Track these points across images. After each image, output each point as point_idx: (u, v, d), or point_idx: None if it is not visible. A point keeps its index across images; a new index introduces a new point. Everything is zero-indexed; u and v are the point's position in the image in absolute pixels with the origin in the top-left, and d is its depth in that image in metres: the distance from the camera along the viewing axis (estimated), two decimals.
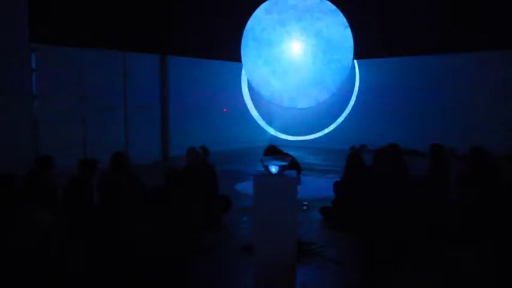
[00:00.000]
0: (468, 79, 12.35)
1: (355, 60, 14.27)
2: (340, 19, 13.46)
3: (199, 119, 13.30)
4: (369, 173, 6.18)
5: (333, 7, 13.50)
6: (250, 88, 15.10)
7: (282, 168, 4.00)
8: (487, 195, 5.42)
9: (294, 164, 8.25)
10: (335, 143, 14.20)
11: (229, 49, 13.90)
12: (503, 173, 5.75)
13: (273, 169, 3.98)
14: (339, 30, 13.48)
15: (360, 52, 13.79)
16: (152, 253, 4.08)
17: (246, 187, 8.50)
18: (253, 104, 15.47)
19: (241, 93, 15.38)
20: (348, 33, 13.38)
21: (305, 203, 7.29)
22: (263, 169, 4.06)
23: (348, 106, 14.71)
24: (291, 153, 8.87)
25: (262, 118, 15.59)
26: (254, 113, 15.50)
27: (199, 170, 6.39)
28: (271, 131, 15.57)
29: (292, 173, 4.28)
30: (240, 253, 5.14)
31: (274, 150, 8.27)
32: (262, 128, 15.56)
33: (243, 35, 14.14)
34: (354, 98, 14.63)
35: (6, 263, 3.31)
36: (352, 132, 14.02)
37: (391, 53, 13.40)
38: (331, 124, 14.88)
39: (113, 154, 5.74)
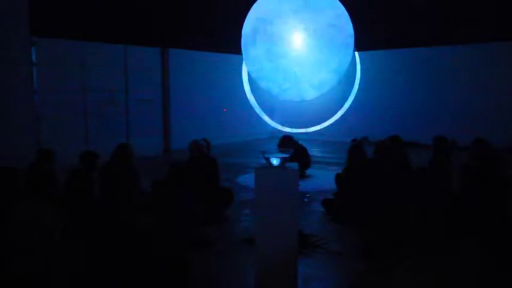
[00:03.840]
0: (471, 71, 12.30)
1: (356, 52, 14.21)
2: (342, 10, 13.38)
3: (200, 111, 13.29)
4: (370, 165, 6.18)
5: None
6: (251, 81, 15.05)
7: (283, 161, 3.99)
8: (489, 188, 5.41)
9: (303, 158, 8.25)
10: (337, 135, 14.19)
11: (230, 42, 13.85)
12: (505, 166, 5.74)
13: (274, 161, 3.98)
14: (341, 21, 13.41)
15: (361, 44, 13.72)
16: (153, 247, 4.08)
17: (247, 180, 8.51)
18: (254, 96, 15.43)
19: (242, 85, 15.34)
20: (349, 23, 13.31)
21: (307, 195, 7.29)
22: (264, 161, 4.05)
23: (350, 98, 14.67)
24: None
25: (264, 111, 15.56)
26: (255, 105, 15.47)
27: (201, 162, 6.38)
28: (273, 123, 15.54)
29: (294, 165, 4.27)
30: (241, 246, 5.15)
31: (288, 142, 8.27)
32: (263, 121, 15.53)
33: (244, 27, 14.07)
34: (355, 90, 14.58)
35: (6, 258, 3.31)
36: (353, 125, 14.01)
37: (393, 44, 13.33)
38: (332, 116, 14.84)
39: (117, 145, 5.74)
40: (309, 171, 9.20)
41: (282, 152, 4.14)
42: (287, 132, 15.09)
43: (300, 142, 9.44)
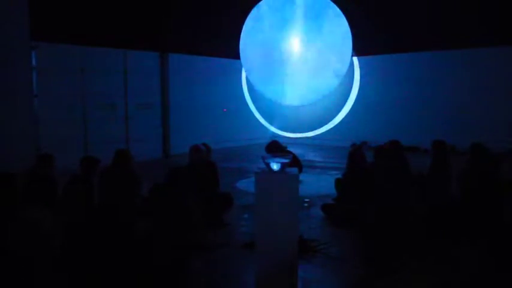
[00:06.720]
0: (469, 76, 12.31)
1: (354, 57, 14.24)
2: (339, 15, 13.45)
3: (199, 116, 13.28)
4: (370, 170, 6.19)
5: (332, 3, 13.51)
6: (250, 85, 15.07)
7: (283, 166, 3.99)
8: (488, 192, 5.42)
9: (295, 162, 8.23)
10: (336, 140, 14.18)
11: (229, 46, 13.88)
12: (503, 170, 5.75)
13: (274, 166, 3.98)
14: (339, 26, 13.47)
15: (360, 49, 13.76)
16: (153, 252, 4.08)
17: (247, 184, 8.51)
18: (254, 101, 15.46)
19: (242, 90, 15.37)
20: (347, 29, 13.39)
21: (306, 200, 7.29)
22: (264, 166, 4.06)
23: (348, 102, 14.68)
24: (291, 150, 8.85)
25: (263, 115, 15.57)
26: (254, 110, 15.49)
27: (201, 167, 6.38)
28: (272, 128, 15.55)
29: (293, 170, 4.27)
30: (241, 250, 5.14)
31: (275, 146, 8.26)
32: (262, 125, 15.54)
33: (242, 32, 14.12)
34: (354, 94, 14.58)
35: (6, 263, 3.30)
36: (353, 129, 13.99)
37: (391, 49, 13.36)
38: (331, 121, 14.86)
39: (116, 151, 5.74)
40: (308, 176, 9.21)
41: (282, 157, 4.14)
42: (286, 136, 15.12)
43: (299, 147, 9.41)
